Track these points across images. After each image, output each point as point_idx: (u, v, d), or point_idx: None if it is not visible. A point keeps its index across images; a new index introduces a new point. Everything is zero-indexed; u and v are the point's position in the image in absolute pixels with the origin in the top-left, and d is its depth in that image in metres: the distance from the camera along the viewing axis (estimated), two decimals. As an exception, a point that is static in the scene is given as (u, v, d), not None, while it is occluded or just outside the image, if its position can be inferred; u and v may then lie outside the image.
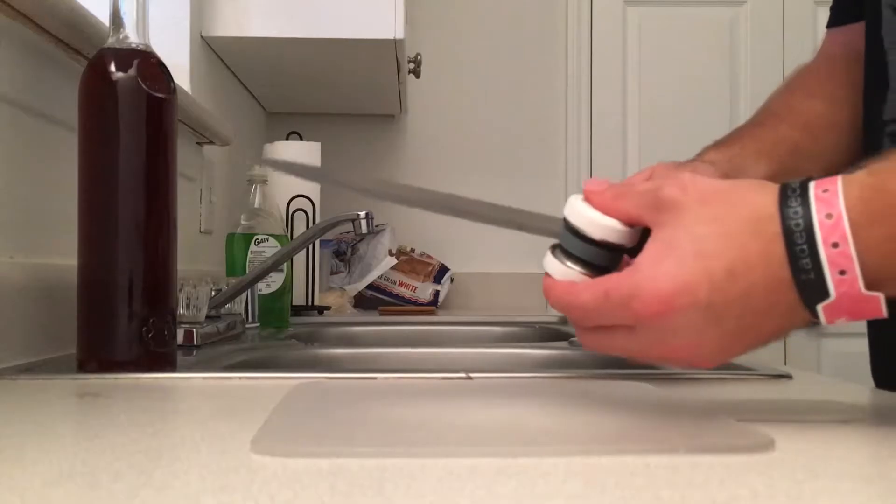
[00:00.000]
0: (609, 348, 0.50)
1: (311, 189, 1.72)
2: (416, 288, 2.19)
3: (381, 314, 1.87)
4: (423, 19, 2.39)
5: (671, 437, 0.45)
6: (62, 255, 0.83)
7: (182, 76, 1.46)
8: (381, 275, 2.14)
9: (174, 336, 0.73)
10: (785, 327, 0.47)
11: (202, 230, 1.52)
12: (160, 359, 0.71)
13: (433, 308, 2.13)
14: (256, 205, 1.35)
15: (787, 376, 0.70)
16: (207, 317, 0.98)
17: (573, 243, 0.50)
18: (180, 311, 0.92)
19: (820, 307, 0.44)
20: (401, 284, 2.18)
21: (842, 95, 0.85)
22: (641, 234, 0.49)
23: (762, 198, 0.45)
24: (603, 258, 0.50)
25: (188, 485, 0.34)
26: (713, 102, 2.49)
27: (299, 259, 1.64)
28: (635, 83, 2.52)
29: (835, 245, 0.43)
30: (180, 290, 0.92)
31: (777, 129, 0.83)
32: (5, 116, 0.80)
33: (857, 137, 0.83)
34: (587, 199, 0.50)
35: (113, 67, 0.71)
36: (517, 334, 1.49)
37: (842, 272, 0.43)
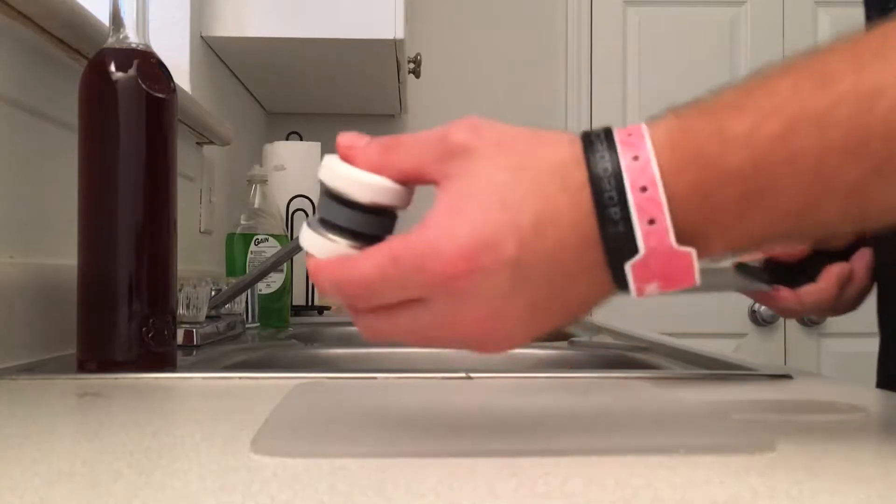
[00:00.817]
0: (391, 332, 0.42)
1: (311, 189, 1.72)
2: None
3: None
4: (423, 19, 2.39)
5: (671, 437, 0.45)
6: (62, 255, 0.83)
7: (182, 76, 1.46)
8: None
9: (174, 336, 0.74)
10: (591, 297, 0.42)
11: (202, 230, 1.52)
12: (160, 359, 0.71)
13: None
14: (256, 205, 1.36)
15: (787, 376, 0.70)
16: (207, 317, 0.98)
17: (335, 211, 0.41)
18: (180, 311, 0.92)
19: (628, 267, 0.39)
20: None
21: None
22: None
23: (566, 145, 0.40)
24: (373, 225, 0.41)
25: (188, 485, 0.34)
26: (713, 102, 2.49)
27: (299, 259, 1.64)
28: (635, 83, 2.52)
29: (643, 189, 0.38)
30: (180, 290, 0.92)
31: None
32: (5, 116, 0.80)
33: None
34: (346, 158, 0.42)
35: (113, 67, 0.71)
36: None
37: (651, 221, 0.38)
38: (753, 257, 0.76)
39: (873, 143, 0.38)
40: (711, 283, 0.76)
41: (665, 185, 0.39)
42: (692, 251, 0.39)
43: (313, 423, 0.48)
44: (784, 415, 0.56)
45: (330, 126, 2.41)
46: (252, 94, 2.12)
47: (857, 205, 0.39)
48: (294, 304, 1.54)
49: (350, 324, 1.53)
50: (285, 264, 1.31)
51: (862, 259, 0.75)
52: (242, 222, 1.34)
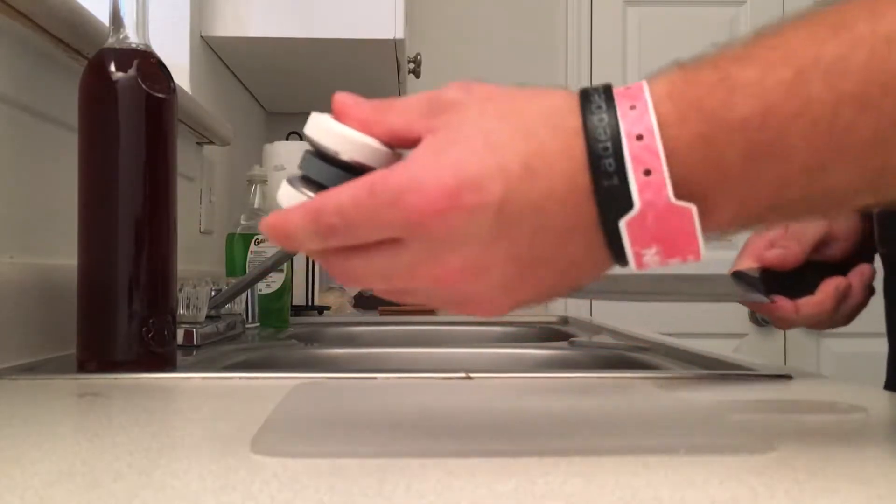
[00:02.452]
0: (364, 274, 0.39)
1: (311, 189, 1.72)
2: (416, 288, 2.18)
3: (381, 314, 1.87)
4: (423, 19, 2.39)
5: (671, 437, 0.45)
6: (62, 255, 0.83)
7: (182, 76, 1.46)
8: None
9: (174, 336, 0.74)
10: (584, 264, 0.39)
11: (202, 230, 1.52)
12: (160, 359, 0.71)
13: (433, 308, 2.13)
14: (256, 205, 1.36)
15: (787, 376, 0.70)
16: (207, 317, 0.98)
17: (317, 167, 0.40)
18: (180, 311, 0.92)
19: (623, 224, 0.36)
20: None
21: None
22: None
23: (560, 95, 0.38)
24: None
25: (188, 485, 0.34)
26: (713, 102, 2.49)
27: (299, 259, 1.64)
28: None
29: (639, 137, 0.36)
30: (180, 290, 0.92)
31: None
32: (5, 116, 0.80)
33: None
34: (338, 115, 0.41)
35: (113, 67, 0.71)
36: (517, 334, 1.49)
37: (647, 172, 0.36)
38: (750, 264, 0.75)
39: (892, 93, 0.35)
40: (709, 292, 0.76)
41: (664, 135, 0.36)
42: (692, 207, 0.36)
43: (313, 423, 0.48)
44: (784, 415, 0.56)
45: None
46: (252, 94, 2.12)
47: (873, 167, 0.36)
48: (294, 304, 1.54)
49: (350, 324, 1.53)
50: (285, 264, 1.31)
51: (860, 275, 0.74)
52: (242, 222, 1.34)
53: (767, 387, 0.67)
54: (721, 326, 2.43)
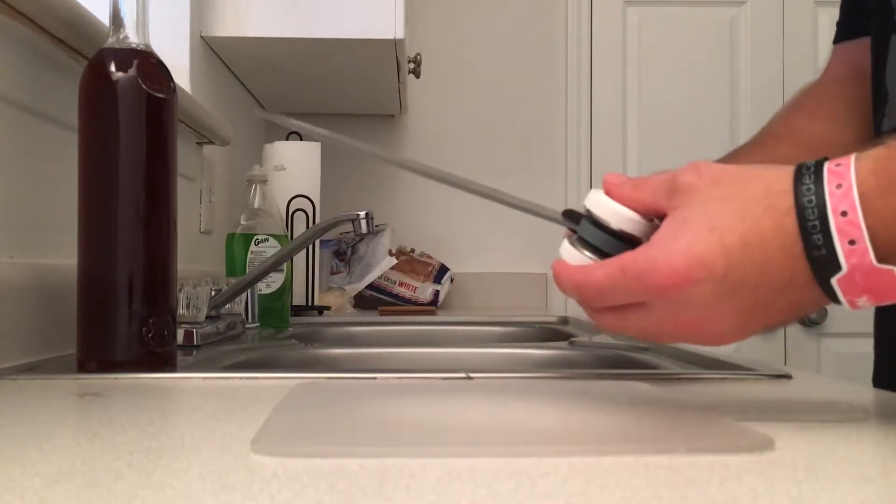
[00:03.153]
0: (623, 327, 0.50)
1: (311, 189, 1.72)
2: (416, 288, 2.19)
3: (380, 314, 1.87)
4: (423, 19, 2.39)
5: (671, 437, 0.45)
6: (62, 255, 0.83)
7: (182, 76, 1.46)
8: (381, 275, 2.14)
9: (174, 336, 0.73)
10: (803, 305, 0.47)
11: (202, 230, 1.52)
12: (160, 359, 0.71)
13: (433, 308, 2.13)
14: (256, 205, 1.35)
15: (787, 376, 0.70)
16: (207, 317, 0.98)
17: (591, 232, 0.51)
18: (180, 311, 0.92)
19: (835, 282, 0.44)
20: (401, 284, 2.18)
21: (845, 116, 0.85)
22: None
23: (776, 175, 0.46)
24: (618, 249, 0.50)
25: (188, 485, 0.34)
26: (713, 102, 2.49)
27: (299, 259, 1.64)
28: (635, 83, 2.52)
29: (844, 214, 0.43)
30: (180, 290, 0.92)
31: (777, 149, 0.83)
32: (5, 116, 0.80)
33: None
34: (607, 192, 0.51)
35: (113, 67, 0.71)
36: (517, 334, 1.49)
37: (851, 242, 0.43)
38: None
39: None
40: (532, 209, 0.72)
41: (867, 209, 0.43)
42: (894, 269, 0.43)
43: (313, 423, 0.48)
44: (784, 415, 0.56)
45: (330, 126, 2.40)
46: (252, 94, 2.12)
47: None
48: (294, 304, 1.54)
49: (350, 324, 1.53)
50: (285, 264, 1.31)
51: None
52: (242, 222, 1.34)
53: (767, 387, 0.67)
54: (721, 326, 2.42)
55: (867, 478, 0.37)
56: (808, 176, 0.44)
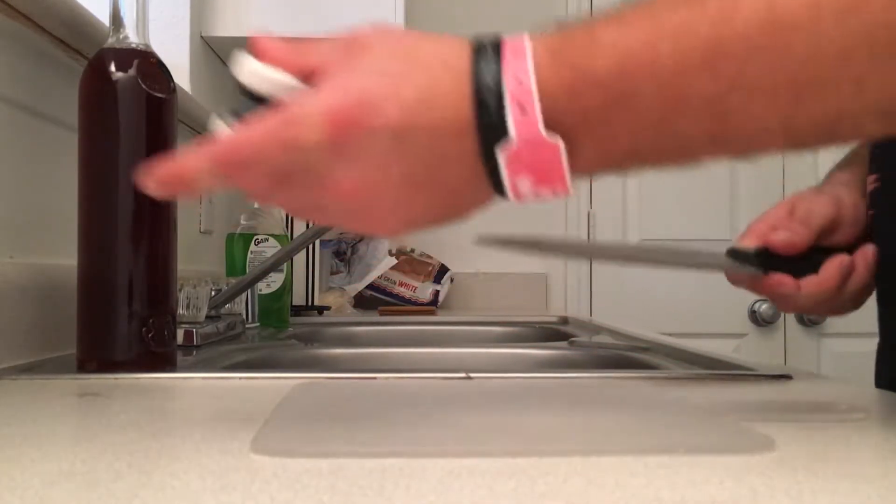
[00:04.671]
0: (291, 204, 0.45)
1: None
2: (416, 288, 2.19)
3: (380, 314, 1.87)
4: (423, 19, 2.40)
5: (671, 437, 0.45)
6: (62, 255, 0.83)
7: (182, 76, 1.46)
8: (381, 275, 2.15)
9: (174, 336, 0.74)
10: (467, 190, 0.44)
11: (202, 230, 1.52)
12: (160, 359, 0.71)
13: (433, 308, 2.13)
14: (256, 205, 1.36)
15: (787, 376, 0.70)
16: (207, 317, 0.98)
17: (240, 102, 0.44)
18: (180, 311, 0.92)
19: (499, 152, 0.41)
20: (401, 284, 2.18)
21: None
22: None
23: (456, 41, 0.43)
24: None
25: (188, 485, 0.34)
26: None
27: (299, 259, 1.64)
28: (635, 83, 2.52)
29: (519, 82, 0.41)
30: (180, 290, 0.92)
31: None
32: (5, 116, 0.80)
33: None
34: (260, 56, 0.44)
35: (113, 67, 0.71)
36: (517, 334, 1.49)
37: (522, 110, 0.41)
38: (747, 243, 0.73)
39: (728, 57, 0.40)
40: (701, 262, 0.73)
41: (538, 83, 0.41)
42: (560, 142, 0.41)
43: (313, 423, 0.48)
44: (784, 415, 0.56)
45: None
46: (252, 94, 2.12)
47: (716, 120, 0.41)
48: (294, 304, 1.54)
49: (350, 324, 1.53)
50: (285, 264, 1.31)
51: (864, 255, 0.73)
52: (242, 222, 1.34)
53: (767, 387, 0.67)
54: (721, 326, 2.43)
55: (867, 478, 0.37)
56: (487, 45, 0.42)
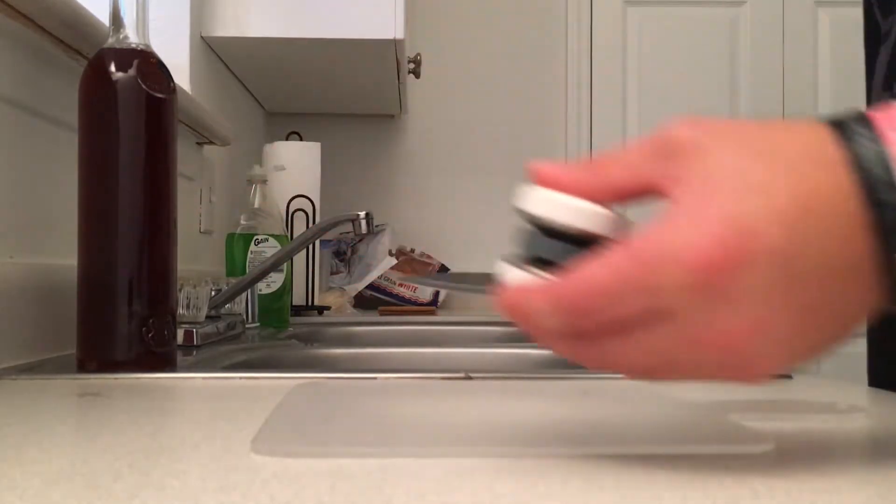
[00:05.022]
0: (624, 356, 0.35)
1: (311, 189, 1.72)
2: (416, 288, 2.19)
3: (381, 314, 1.87)
4: (423, 19, 2.39)
5: (671, 437, 0.45)
6: (62, 255, 0.83)
7: (182, 76, 1.46)
8: (381, 275, 2.15)
9: (174, 336, 0.73)
10: (858, 307, 0.35)
11: (202, 230, 1.52)
12: (160, 359, 0.71)
13: (433, 308, 2.13)
14: (256, 205, 1.36)
15: (787, 376, 0.70)
16: (207, 317, 0.98)
17: (541, 243, 0.36)
18: (180, 311, 0.92)
19: None
20: (401, 284, 2.18)
21: None
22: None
23: (808, 125, 0.35)
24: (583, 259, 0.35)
25: (188, 485, 0.34)
26: (713, 102, 2.49)
27: (299, 259, 1.64)
28: (635, 83, 2.52)
29: None
30: (180, 290, 0.92)
31: None
32: (5, 116, 0.80)
33: None
34: (546, 185, 0.37)
35: (113, 67, 0.71)
36: (517, 334, 1.49)
37: None
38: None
39: None
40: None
41: None
42: None
43: (313, 423, 0.48)
44: (784, 415, 0.56)
45: (330, 126, 2.41)
46: (252, 94, 2.12)
47: None
48: (294, 304, 1.54)
49: (350, 324, 1.53)
50: (285, 264, 1.31)
51: None
52: (242, 222, 1.34)
53: (767, 387, 0.67)
54: (721, 326, 2.43)
55: (867, 478, 0.37)
56: (851, 121, 0.34)
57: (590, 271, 0.34)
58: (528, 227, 0.37)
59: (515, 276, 0.37)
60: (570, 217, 0.35)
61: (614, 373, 0.36)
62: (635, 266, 0.33)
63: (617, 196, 0.36)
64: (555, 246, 0.36)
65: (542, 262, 0.36)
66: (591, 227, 0.35)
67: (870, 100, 0.79)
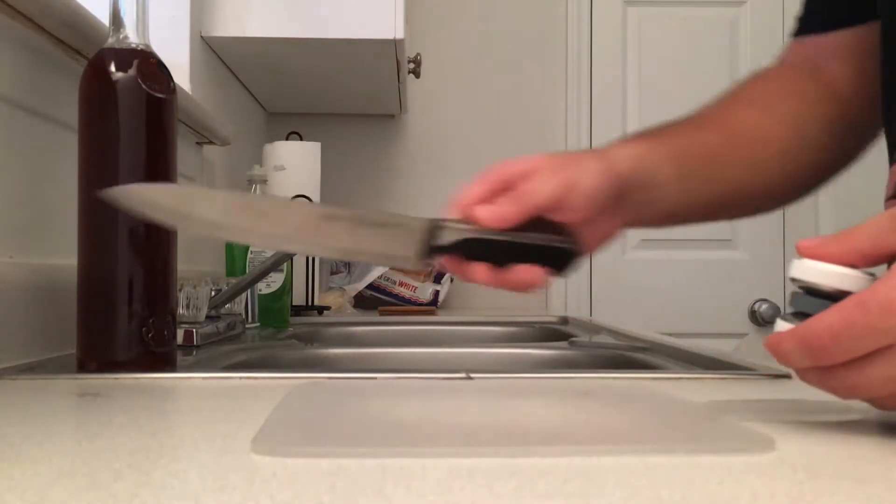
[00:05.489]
0: (864, 383, 0.44)
1: (311, 189, 1.72)
2: (416, 288, 2.19)
3: (381, 314, 1.87)
4: (423, 19, 2.39)
5: (671, 437, 0.45)
6: (62, 255, 0.83)
7: (182, 76, 1.46)
8: (381, 275, 2.15)
9: (174, 336, 0.74)
10: None
11: (202, 230, 1.51)
12: (160, 359, 0.71)
13: (433, 308, 2.13)
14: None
15: (787, 376, 0.70)
16: (207, 317, 0.98)
17: (805, 302, 0.46)
18: (180, 311, 0.92)
19: None
20: (401, 284, 2.18)
21: (784, 110, 0.80)
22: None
23: None
24: None
25: (188, 485, 0.34)
26: (713, 102, 2.49)
27: (299, 259, 1.64)
28: (635, 83, 2.52)
29: None
30: (180, 290, 0.92)
31: (698, 133, 0.77)
32: (5, 116, 0.80)
33: (804, 156, 0.80)
34: (810, 256, 0.47)
35: (113, 67, 0.71)
36: (517, 334, 1.49)
37: None
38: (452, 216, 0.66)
39: None
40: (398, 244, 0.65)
41: None
42: None
43: (313, 423, 0.48)
44: (784, 415, 0.56)
45: (330, 126, 2.41)
46: (252, 94, 2.12)
47: None
48: (294, 304, 1.54)
49: (350, 324, 1.53)
50: (285, 264, 1.31)
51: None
52: (242, 222, 1.34)
53: (767, 387, 0.67)
54: (721, 326, 2.43)
55: (867, 478, 0.37)
56: None
57: (827, 318, 0.43)
58: (797, 289, 0.47)
59: (780, 326, 0.47)
60: (821, 278, 0.46)
61: (862, 400, 0.45)
62: (862, 313, 0.41)
63: (861, 259, 0.45)
64: (815, 302, 0.46)
65: (805, 316, 0.45)
66: (841, 286, 0.45)
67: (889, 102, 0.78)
